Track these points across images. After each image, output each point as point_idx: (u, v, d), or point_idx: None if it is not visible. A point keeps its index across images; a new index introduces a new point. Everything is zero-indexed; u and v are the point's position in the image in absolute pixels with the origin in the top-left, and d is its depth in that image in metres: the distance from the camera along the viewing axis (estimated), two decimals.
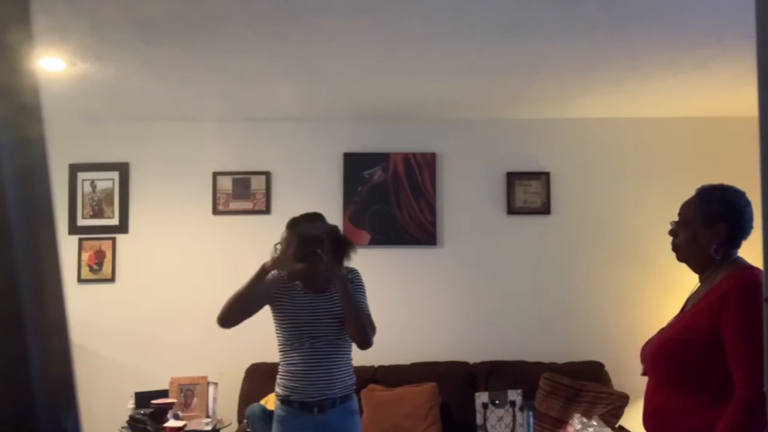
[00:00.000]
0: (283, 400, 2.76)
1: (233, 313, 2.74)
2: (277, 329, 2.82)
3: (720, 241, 2.05)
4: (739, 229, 2.05)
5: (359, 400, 4.29)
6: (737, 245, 2.07)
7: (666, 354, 2.08)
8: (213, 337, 4.75)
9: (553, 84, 4.11)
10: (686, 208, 2.14)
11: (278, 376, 2.81)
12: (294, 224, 2.77)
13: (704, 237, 2.07)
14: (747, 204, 2.07)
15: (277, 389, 2.80)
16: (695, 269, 2.16)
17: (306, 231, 2.72)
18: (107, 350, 4.66)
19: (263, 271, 2.73)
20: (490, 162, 4.83)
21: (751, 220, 2.04)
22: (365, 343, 2.77)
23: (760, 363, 1.85)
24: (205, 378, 4.43)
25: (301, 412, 2.72)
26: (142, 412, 4.06)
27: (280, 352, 2.81)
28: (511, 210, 4.80)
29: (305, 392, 2.72)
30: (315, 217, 2.82)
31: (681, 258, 2.17)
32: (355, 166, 4.79)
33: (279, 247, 2.77)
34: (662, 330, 2.19)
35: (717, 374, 1.96)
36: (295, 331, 2.75)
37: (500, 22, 3.16)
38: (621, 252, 4.73)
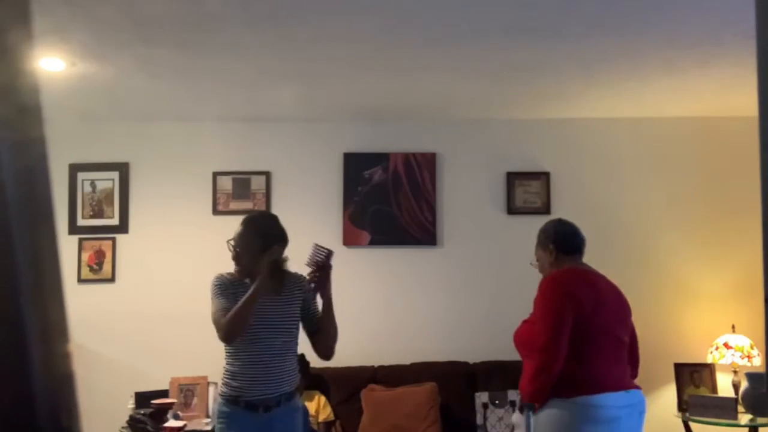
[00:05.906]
0: (230, 400, 2.74)
1: (243, 329, 2.69)
2: None
3: (552, 254, 2.90)
4: (560, 242, 2.91)
5: (359, 400, 4.32)
6: (568, 252, 2.92)
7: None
8: (213, 337, 4.74)
9: (553, 84, 4.11)
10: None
11: (225, 377, 2.78)
12: (252, 222, 2.78)
13: (542, 258, 2.95)
14: (556, 225, 3.00)
15: (224, 389, 2.78)
16: None
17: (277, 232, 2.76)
18: (107, 350, 4.65)
19: (264, 285, 2.67)
20: (490, 162, 4.83)
21: (564, 233, 2.95)
22: (330, 357, 2.85)
23: (542, 337, 2.77)
24: (205, 378, 4.43)
25: (247, 411, 2.70)
26: (142, 412, 4.05)
27: (228, 351, 2.79)
28: (511, 210, 4.80)
29: (254, 392, 2.70)
30: (273, 217, 2.86)
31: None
32: (355, 166, 4.79)
33: (233, 243, 2.76)
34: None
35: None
36: (250, 332, 2.71)
37: (500, 23, 3.16)
38: (620, 252, 4.72)
